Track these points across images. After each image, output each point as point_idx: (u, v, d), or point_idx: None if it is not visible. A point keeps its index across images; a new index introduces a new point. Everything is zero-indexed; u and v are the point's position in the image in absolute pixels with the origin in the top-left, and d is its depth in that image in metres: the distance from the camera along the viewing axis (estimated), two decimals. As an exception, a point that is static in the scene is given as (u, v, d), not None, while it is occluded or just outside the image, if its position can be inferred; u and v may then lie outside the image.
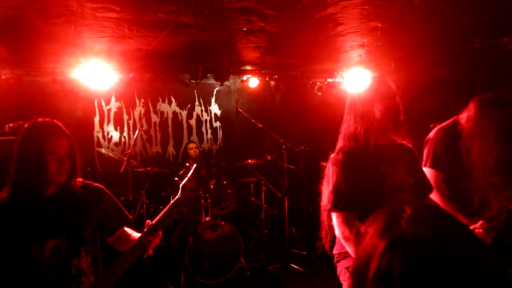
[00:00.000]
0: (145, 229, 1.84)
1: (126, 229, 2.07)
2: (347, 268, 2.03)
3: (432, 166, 2.50)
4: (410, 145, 2.19)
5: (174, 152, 6.35)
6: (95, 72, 4.80)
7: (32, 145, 1.72)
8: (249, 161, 5.35)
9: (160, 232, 1.84)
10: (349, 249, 1.93)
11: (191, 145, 5.85)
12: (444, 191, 2.47)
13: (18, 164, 1.74)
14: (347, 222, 1.92)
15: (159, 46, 4.01)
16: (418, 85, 4.86)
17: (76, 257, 1.81)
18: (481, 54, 4.13)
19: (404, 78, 5.03)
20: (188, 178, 1.89)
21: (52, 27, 3.21)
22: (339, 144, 2.10)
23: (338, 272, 2.12)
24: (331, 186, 1.97)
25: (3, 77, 4.86)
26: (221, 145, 6.67)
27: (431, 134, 2.60)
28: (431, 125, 2.71)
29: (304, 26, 3.46)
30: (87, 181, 1.96)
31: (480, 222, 1.97)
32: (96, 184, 1.99)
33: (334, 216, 1.97)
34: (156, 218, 1.85)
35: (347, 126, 2.09)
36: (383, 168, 2.00)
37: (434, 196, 2.45)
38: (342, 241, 1.95)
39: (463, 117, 2.54)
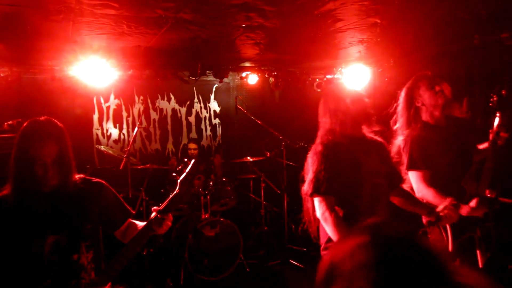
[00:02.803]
0: (153, 214, 1.84)
1: (133, 221, 2.07)
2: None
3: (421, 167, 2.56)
4: (381, 140, 2.39)
5: (173, 149, 6.35)
6: (94, 69, 4.79)
7: (22, 148, 1.76)
8: (249, 158, 5.35)
9: (170, 215, 1.86)
10: (328, 229, 2.10)
11: (191, 145, 5.78)
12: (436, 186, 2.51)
13: (15, 163, 1.78)
14: (327, 205, 2.09)
15: (158, 43, 4.00)
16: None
17: (76, 252, 1.82)
18: (480, 50, 4.12)
19: (404, 74, 5.02)
20: (187, 173, 1.89)
21: (50, 24, 3.20)
22: (318, 138, 2.28)
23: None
24: (312, 174, 2.15)
25: (1, 74, 4.84)
26: (221, 142, 6.67)
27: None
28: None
29: (303, 22, 3.46)
30: (87, 177, 1.97)
31: (449, 199, 2.20)
32: (97, 179, 2.00)
33: (316, 200, 2.15)
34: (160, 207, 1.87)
35: (323, 124, 2.29)
36: (358, 155, 2.19)
37: (427, 193, 2.47)
38: (323, 222, 2.13)
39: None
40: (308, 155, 2.25)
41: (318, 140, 2.26)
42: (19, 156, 1.76)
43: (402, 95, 2.71)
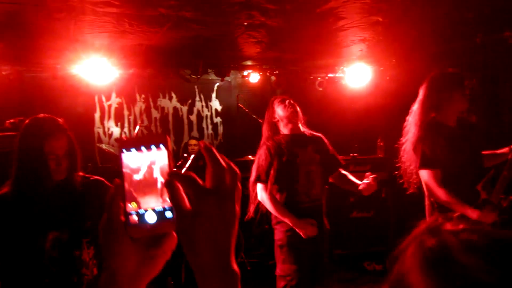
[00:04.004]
0: None
1: None
2: (286, 231, 2.78)
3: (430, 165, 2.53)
4: (319, 135, 2.96)
5: (174, 148, 6.35)
6: (96, 68, 4.79)
7: (32, 143, 1.74)
8: (250, 156, 5.34)
9: None
10: (267, 207, 2.76)
11: (192, 141, 5.83)
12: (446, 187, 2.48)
13: (19, 160, 1.77)
14: (265, 189, 2.73)
15: (159, 41, 4.00)
16: (419, 80, 4.84)
17: (78, 249, 1.83)
18: (483, 49, 4.11)
19: (406, 73, 5.01)
20: (186, 168, 1.89)
21: (52, 23, 3.20)
22: (262, 142, 2.87)
23: (276, 236, 2.94)
24: (255, 167, 2.79)
25: (3, 73, 4.85)
26: (222, 140, 6.67)
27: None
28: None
29: (305, 20, 3.45)
30: (87, 175, 1.97)
31: (367, 174, 2.63)
32: (96, 177, 2.00)
33: (257, 186, 2.77)
34: None
35: (264, 131, 2.89)
36: (295, 149, 2.77)
37: (437, 192, 2.46)
38: (262, 202, 2.77)
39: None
40: (256, 155, 2.87)
41: (262, 142, 2.87)
42: (28, 153, 1.74)
43: (428, 84, 2.66)
